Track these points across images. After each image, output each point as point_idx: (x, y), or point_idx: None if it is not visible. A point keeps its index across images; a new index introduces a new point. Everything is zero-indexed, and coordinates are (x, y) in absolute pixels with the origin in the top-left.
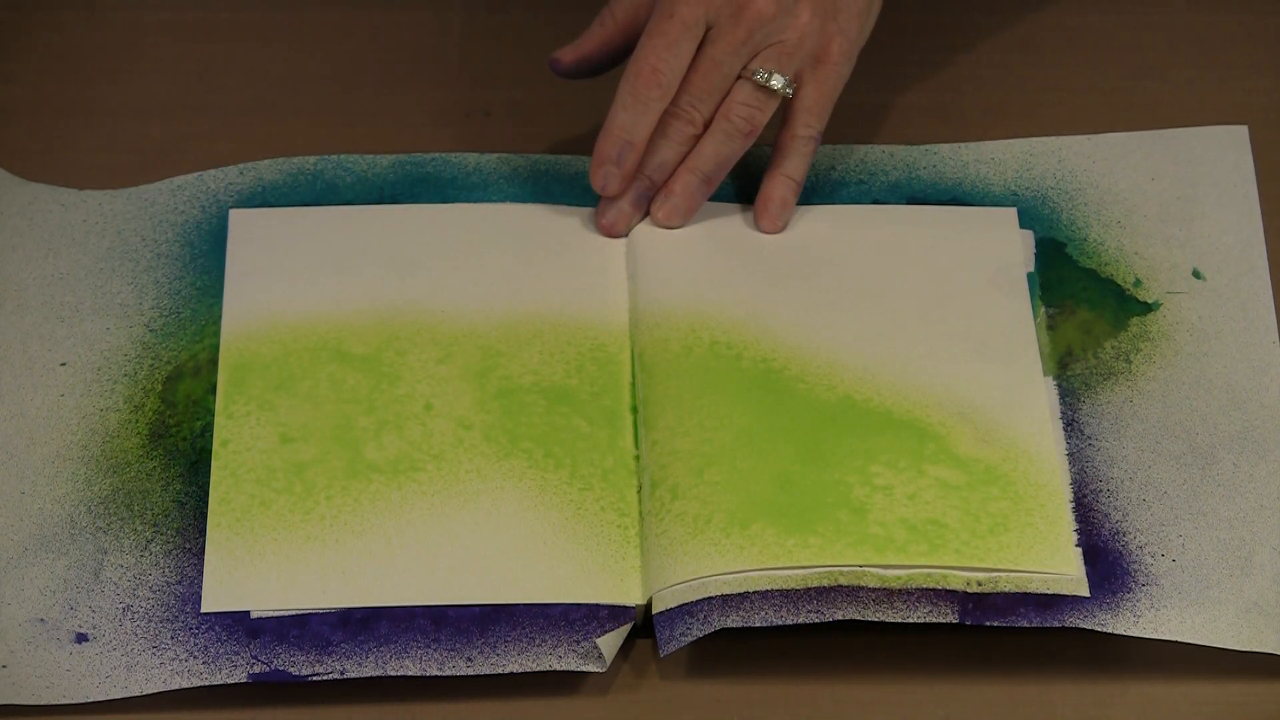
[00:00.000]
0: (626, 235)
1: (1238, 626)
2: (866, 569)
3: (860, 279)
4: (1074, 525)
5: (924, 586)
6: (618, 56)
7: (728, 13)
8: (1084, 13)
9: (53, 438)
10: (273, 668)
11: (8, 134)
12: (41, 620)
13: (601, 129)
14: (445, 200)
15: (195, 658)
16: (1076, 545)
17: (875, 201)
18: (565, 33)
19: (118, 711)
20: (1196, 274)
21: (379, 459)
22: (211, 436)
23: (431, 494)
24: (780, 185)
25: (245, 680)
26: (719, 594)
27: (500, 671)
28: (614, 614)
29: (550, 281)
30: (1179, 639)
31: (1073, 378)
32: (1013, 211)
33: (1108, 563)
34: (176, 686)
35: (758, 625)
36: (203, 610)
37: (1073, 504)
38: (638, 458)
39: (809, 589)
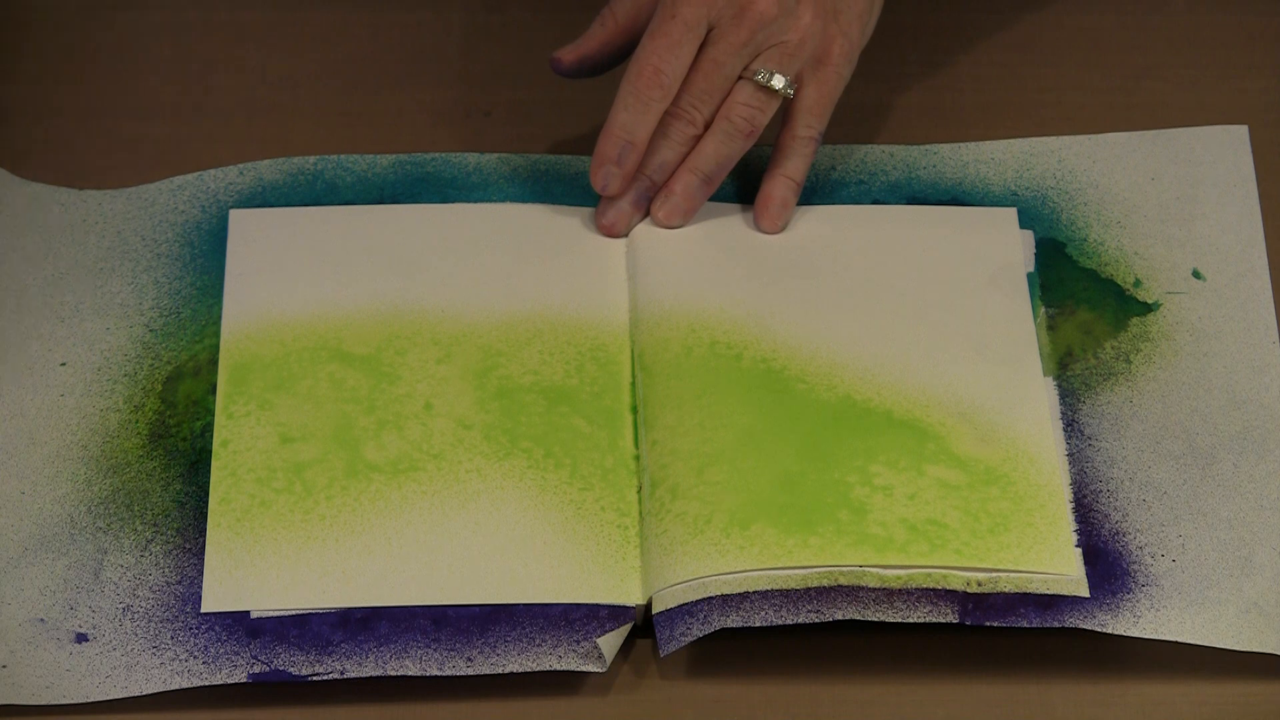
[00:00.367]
0: (626, 235)
1: (1238, 626)
2: (866, 569)
3: (860, 279)
4: (1074, 525)
5: (924, 586)
6: (619, 56)
7: (730, 14)
8: (1084, 13)
9: (53, 438)
10: (273, 668)
11: (8, 134)
12: (41, 620)
13: (602, 129)
14: (445, 200)
15: (195, 658)
16: (1076, 545)
17: (875, 201)
18: (565, 33)
19: (118, 711)
20: (1196, 274)
21: (379, 459)
22: (211, 436)
23: (431, 494)
24: (780, 185)
25: (245, 680)
26: (719, 594)
27: (500, 671)
28: (614, 614)
29: (550, 281)
30: (1179, 639)
31: (1073, 378)
32: (1013, 211)
33: (1108, 563)
34: (176, 686)
35: (758, 625)
36: (203, 610)
37: (1073, 504)
38: (638, 458)
39: (809, 589)
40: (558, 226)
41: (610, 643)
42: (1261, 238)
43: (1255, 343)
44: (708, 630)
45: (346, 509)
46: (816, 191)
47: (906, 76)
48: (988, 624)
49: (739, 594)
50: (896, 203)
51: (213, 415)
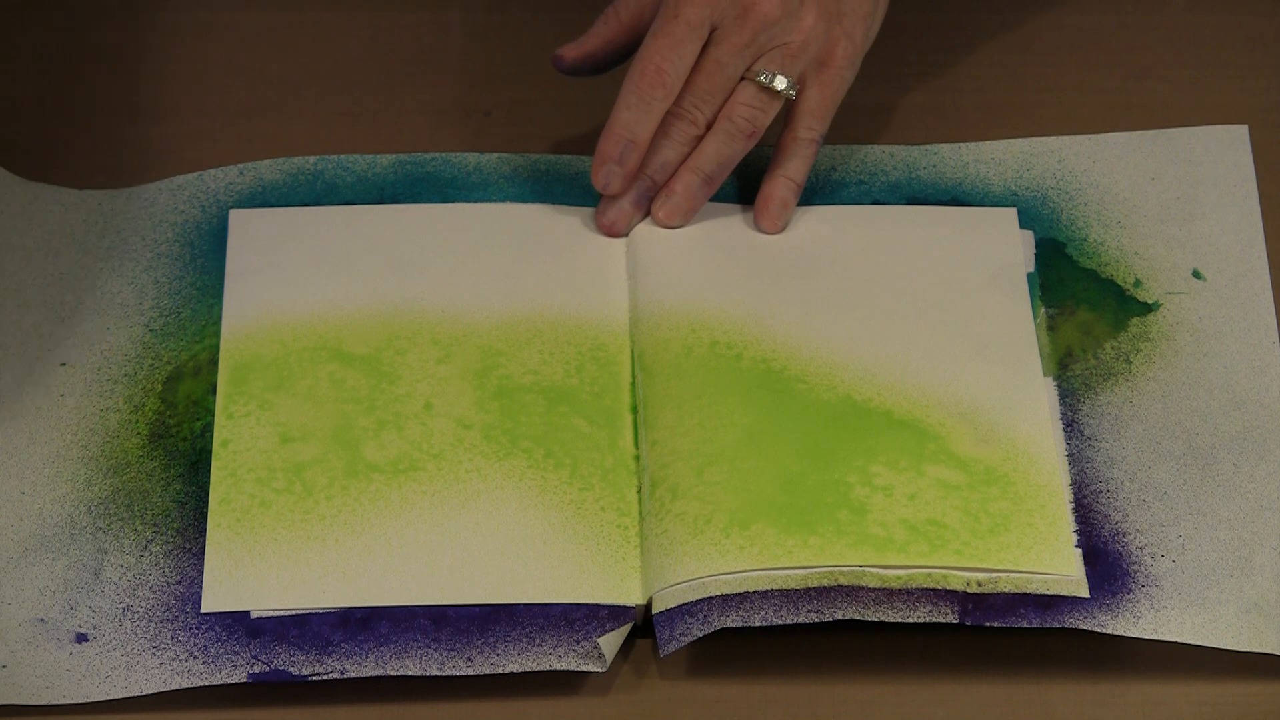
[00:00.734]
0: (627, 235)
1: (1238, 627)
2: (866, 569)
3: (860, 279)
4: (1074, 526)
5: (924, 586)
6: (621, 56)
7: (733, 14)
8: (1084, 13)
9: (53, 438)
10: (273, 668)
11: (8, 134)
12: (41, 620)
13: (604, 128)
14: (445, 200)
15: (195, 658)
16: (1076, 546)
17: (875, 202)
18: (566, 33)
19: (118, 711)
20: (1196, 274)
21: (379, 459)
22: (211, 436)
23: (431, 494)
24: (780, 186)
25: (245, 680)
26: (719, 594)
27: (500, 671)
28: (614, 614)
29: (550, 281)
30: (1179, 640)
31: (1073, 378)
32: (1013, 211)
33: (1107, 563)
34: (176, 686)
35: (758, 625)
36: (203, 610)
37: (1072, 505)
38: (638, 458)
39: (809, 589)
40: (558, 226)
41: (610, 643)
42: (1261, 238)
43: (1255, 343)
44: (708, 630)
45: (346, 509)
46: (817, 192)
47: (906, 76)
48: (988, 624)
49: (739, 594)
50: (896, 203)
51: (213, 415)
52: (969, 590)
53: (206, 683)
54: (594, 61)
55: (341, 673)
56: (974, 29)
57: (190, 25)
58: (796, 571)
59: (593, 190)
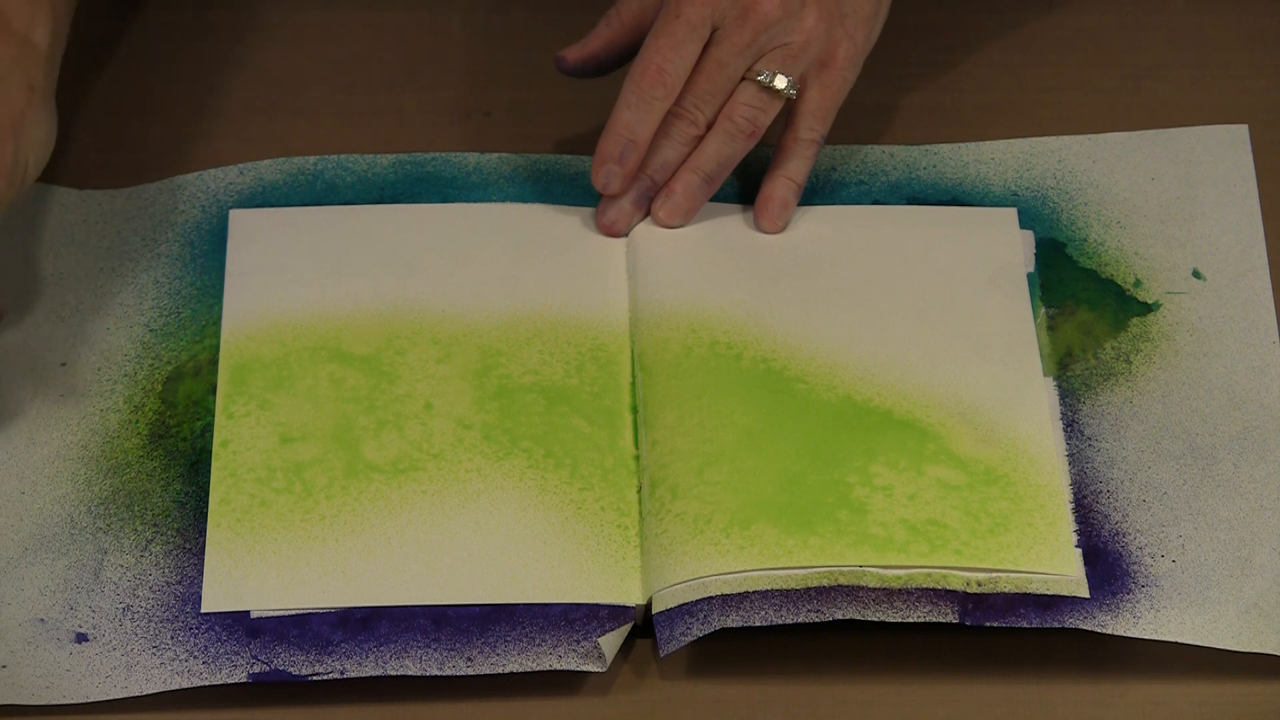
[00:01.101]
0: (627, 234)
1: (1238, 627)
2: (866, 569)
3: (860, 279)
4: (1074, 526)
5: (924, 586)
6: (623, 56)
7: (734, 14)
8: (1084, 13)
9: (53, 438)
10: (273, 668)
11: None
12: (41, 620)
13: (605, 128)
14: (445, 200)
15: (195, 658)
16: (1076, 546)
17: (875, 202)
18: (566, 33)
19: (118, 711)
20: (1196, 274)
21: (379, 458)
22: (211, 436)
23: (431, 494)
24: (781, 186)
25: (245, 680)
26: (719, 594)
27: (500, 671)
28: (614, 614)
29: (550, 281)
30: (1179, 640)
31: (1073, 378)
32: (1013, 212)
33: (1107, 563)
34: (176, 686)
35: (758, 625)
36: (203, 610)
37: (1072, 505)
38: (638, 458)
39: (809, 589)
40: (558, 226)
41: (610, 643)
42: (1261, 238)
43: (1255, 343)
44: (708, 630)
45: (346, 509)
46: (817, 192)
47: (906, 77)
48: (988, 624)
49: (739, 594)
50: (897, 203)
51: (213, 415)
52: (969, 590)
53: (206, 683)
54: (596, 63)
55: (341, 673)
56: (974, 29)
57: (191, 25)
58: (796, 571)
59: (593, 190)
